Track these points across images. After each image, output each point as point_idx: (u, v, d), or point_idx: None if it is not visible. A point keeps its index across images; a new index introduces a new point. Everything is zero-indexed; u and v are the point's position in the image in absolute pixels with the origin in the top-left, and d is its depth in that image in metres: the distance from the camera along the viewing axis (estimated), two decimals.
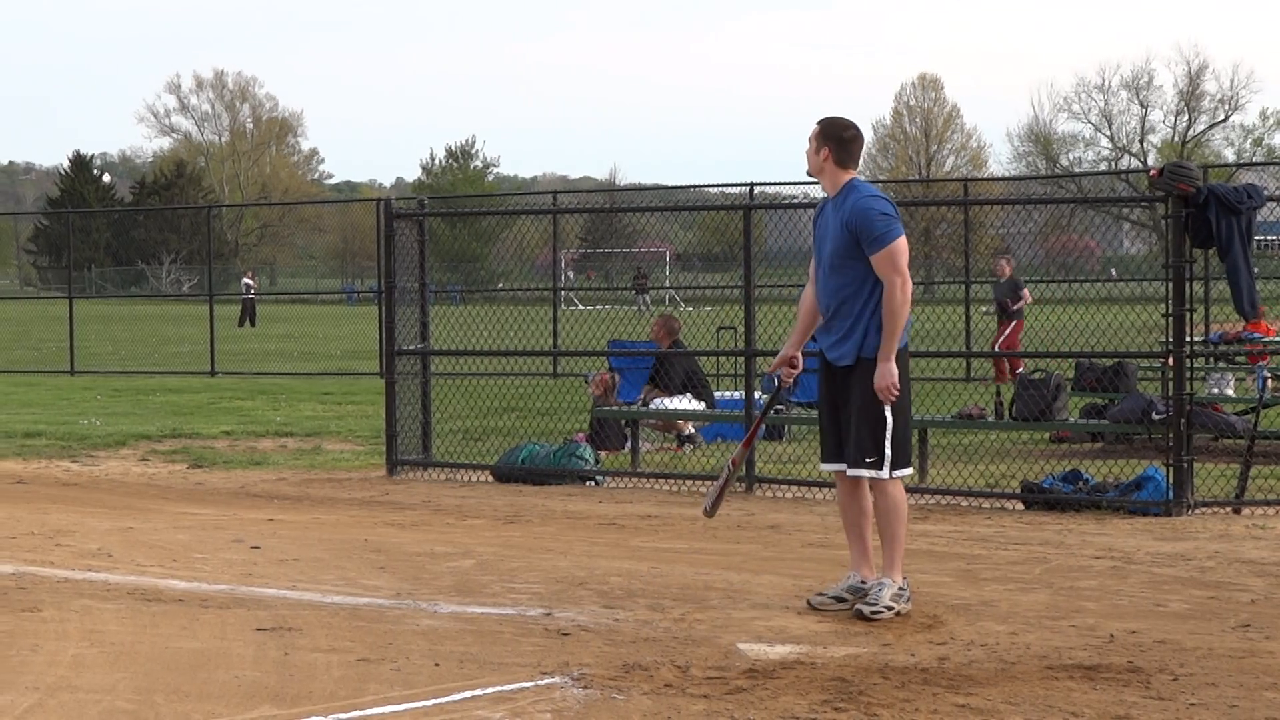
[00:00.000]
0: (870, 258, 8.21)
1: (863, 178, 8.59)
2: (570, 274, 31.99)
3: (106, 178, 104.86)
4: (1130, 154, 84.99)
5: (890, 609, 8.13)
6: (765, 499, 13.29)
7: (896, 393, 8.20)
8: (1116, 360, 16.46)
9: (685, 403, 16.61)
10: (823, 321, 8.46)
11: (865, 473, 8.28)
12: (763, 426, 14.73)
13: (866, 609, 8.10)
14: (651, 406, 16.45)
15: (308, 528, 11.59)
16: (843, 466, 8.39)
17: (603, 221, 57.11)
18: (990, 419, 15.18)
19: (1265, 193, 12.41)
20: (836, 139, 8.42)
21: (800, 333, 8.66)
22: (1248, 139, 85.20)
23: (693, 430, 16.95)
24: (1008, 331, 24.93)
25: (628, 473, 14.59)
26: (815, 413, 9.21)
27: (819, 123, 8.49)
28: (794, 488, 13.38)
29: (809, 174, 8.62)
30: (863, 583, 8.34)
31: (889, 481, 8.28)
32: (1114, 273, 36.48)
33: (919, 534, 10.84)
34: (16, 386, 26.73)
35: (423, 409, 15.18)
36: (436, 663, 7.20)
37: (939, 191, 57.00)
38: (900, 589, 8.24)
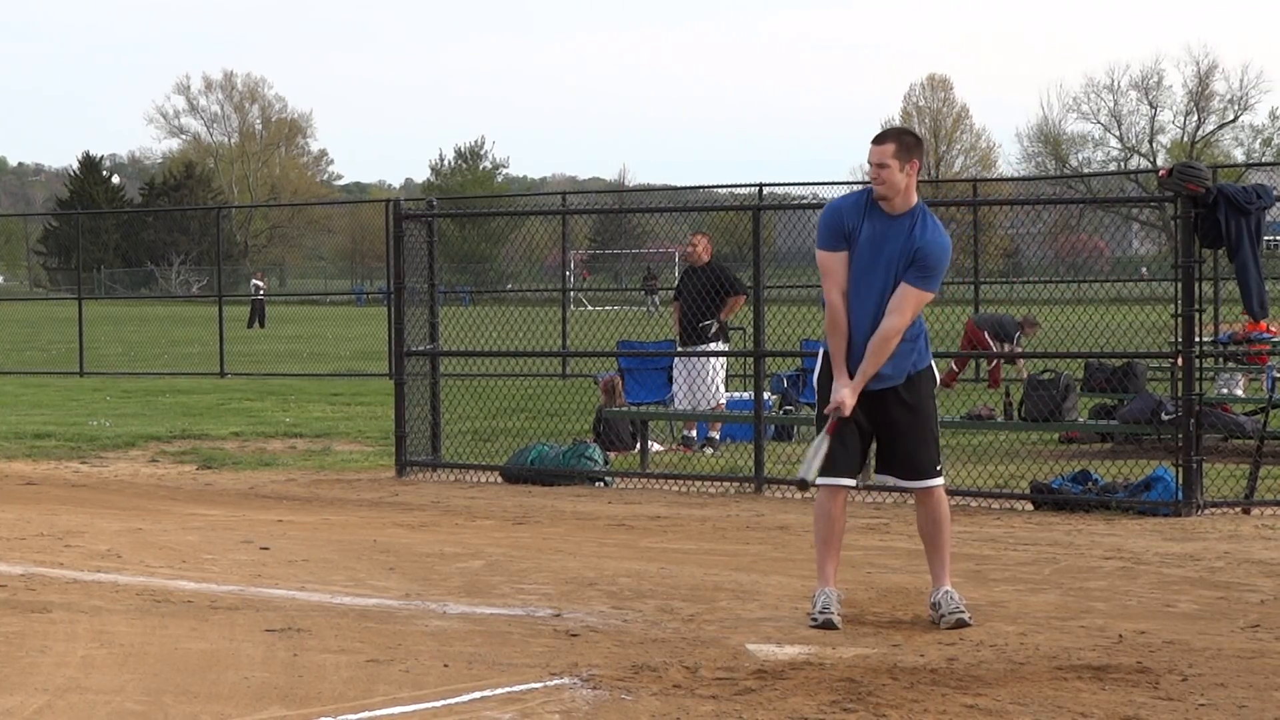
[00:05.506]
0: (908, 284, 7.95)
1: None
2: (570, 276, 31.88)
3: (115, 179, 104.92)
4: (1139, 154, 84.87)
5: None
6: (774, 500, 13.28)
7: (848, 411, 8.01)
8: (1126, 361, 16.44)
9: (718, 369, 16.64)
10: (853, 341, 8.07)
11: (936, 481, 8.17)
12: (772, 427, 14.75)
13: (967, 616, 7.96)
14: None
15: (317, 529, 11.60)
16: (852, 482, 8.27)
17: (612, 222, 57.06)
18: (999, 419, 15.18)
19: (1275, 193, 12.41)
20: (920, 150, 7.95)
21: (849, 358, 8.06)
22: (1257, 139, 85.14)
23: (713, 434, 16.86)
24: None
25: (637, 474, 14.60)
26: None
27: (899, 138, 7.90)
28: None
29: (883, 196, 7.88)
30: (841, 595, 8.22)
31: (941, 489, 8.25)
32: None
33: None
34: (26, 388, 26.77)
35: (432, 410, 15.19)
36: (445, 664, 7.21)
37: (948, 192, 56.96)
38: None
